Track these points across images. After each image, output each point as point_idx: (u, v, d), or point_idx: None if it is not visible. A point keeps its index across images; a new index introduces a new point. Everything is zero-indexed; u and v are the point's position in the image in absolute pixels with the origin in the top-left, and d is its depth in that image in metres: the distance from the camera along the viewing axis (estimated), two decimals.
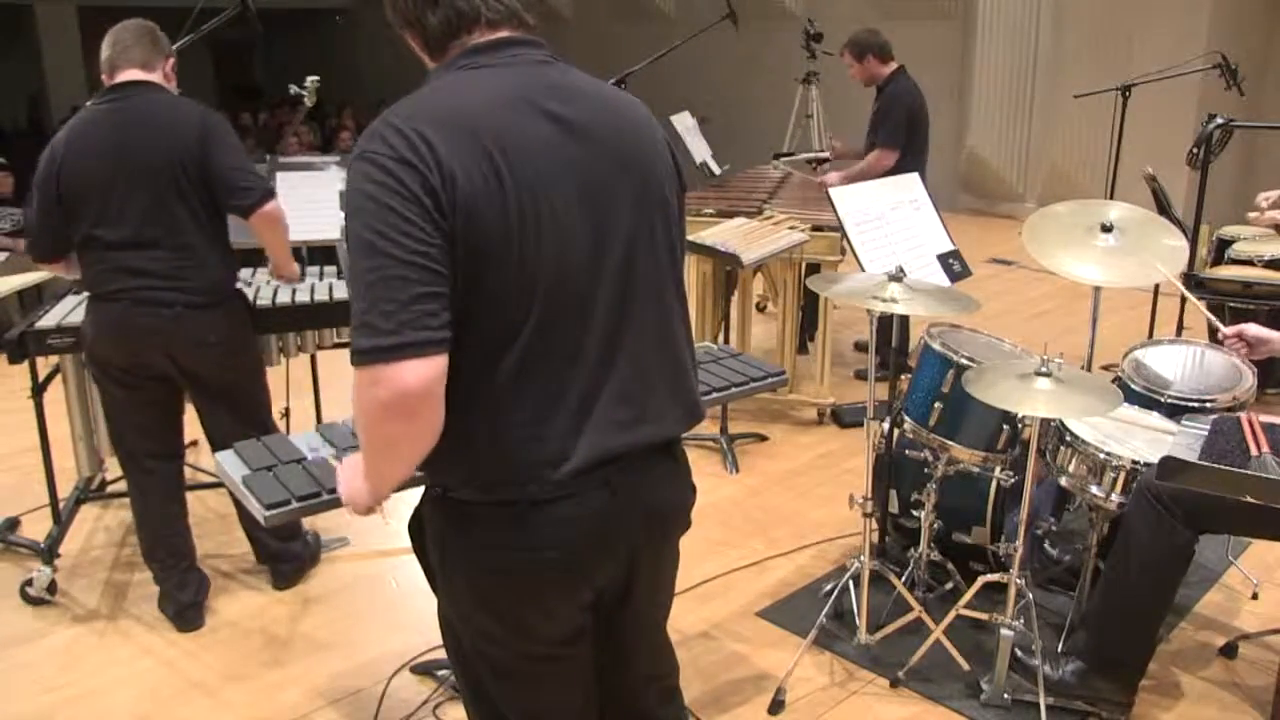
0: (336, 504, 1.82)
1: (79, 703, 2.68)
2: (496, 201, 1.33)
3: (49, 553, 3.17)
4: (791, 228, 4.15)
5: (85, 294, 3.39)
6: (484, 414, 1.39)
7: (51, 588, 3.13)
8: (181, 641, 2.93)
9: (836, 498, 3.67)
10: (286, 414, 3.71)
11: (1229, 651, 2.83)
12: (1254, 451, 2.24)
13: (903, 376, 3.19)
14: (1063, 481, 2.74)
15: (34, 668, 2.82)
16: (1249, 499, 2.11)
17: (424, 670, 2.74)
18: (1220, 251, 5.14)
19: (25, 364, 3.15)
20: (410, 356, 1.27)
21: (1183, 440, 2.35)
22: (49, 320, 3.12)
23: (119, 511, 3.73)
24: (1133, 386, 2.97)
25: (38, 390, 3.19)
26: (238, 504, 2.38)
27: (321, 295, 3.38)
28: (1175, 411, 2.78)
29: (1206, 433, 2.36)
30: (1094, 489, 2.62)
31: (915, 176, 3.49)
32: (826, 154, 5.88)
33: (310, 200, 3.53)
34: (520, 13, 1.47)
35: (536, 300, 1.37)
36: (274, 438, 2.05)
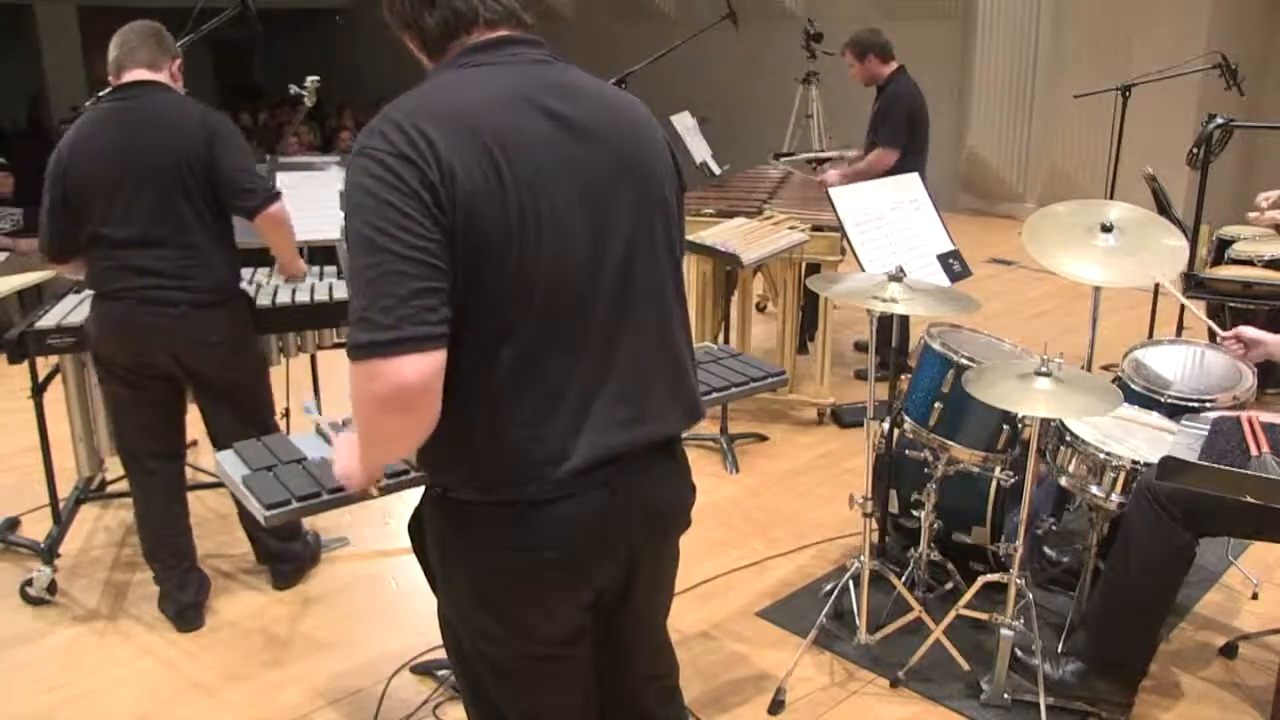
0: (337, 504, 1.83)
1: (79, 703, 2.68)
2: (496, 198, 1.33)
3: (49, 553, 3.17)
4: (791, 228, 4.15)
5: (86, 293, 3.42)
6: (483, 413, 1.39)
7: (51, 588, 3.13)
8: (181, 641, 2.93)
9: (836, 498, 3.67)
10: (286, 414, 3.70)
11: (1229, 651, 2.83)
12: (1254, 451, 2.24)
13: (903, 376, 3.19)
14: (1063, 481, 2.74)
15: (34, 668, 2.82)
16: (1249, 499, 2.11)
17: (424, 670, 2.74)
18: (1220, 251, 5.13)
19: (25, 364, 3.15)
20: (409, 351, 1.27)
21: (1183, 440, 2.35)
22: (49, 320, 3.12)
23: (119, 511, 3.73)
24: (1133, 386, 2.97)
25: (38, 390, 3.19)
26: (239, 504, 2.39)
27: (321, 295, 3.39)
28: (1175, 411, 2.78)
29: (1206, 433, 2.36)
30: (1094, 489, 2.62)
31: (915, 176, 3.49)
32: (828, 154, 5.88)
33: (310, 200, 3.53)
34: (518, 12, 1.47)
35: (535, 298, 1.37)
36: (274, 438, 2.05)
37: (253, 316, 3.03)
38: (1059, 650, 2.69)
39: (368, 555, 3.41)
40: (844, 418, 4.51)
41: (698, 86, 9.64)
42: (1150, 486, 2.41)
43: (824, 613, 2.79)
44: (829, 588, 2.96)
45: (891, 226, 3.16)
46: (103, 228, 2.72)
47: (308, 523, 3.31)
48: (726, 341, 4.20)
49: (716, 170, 5.51)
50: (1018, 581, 2.55)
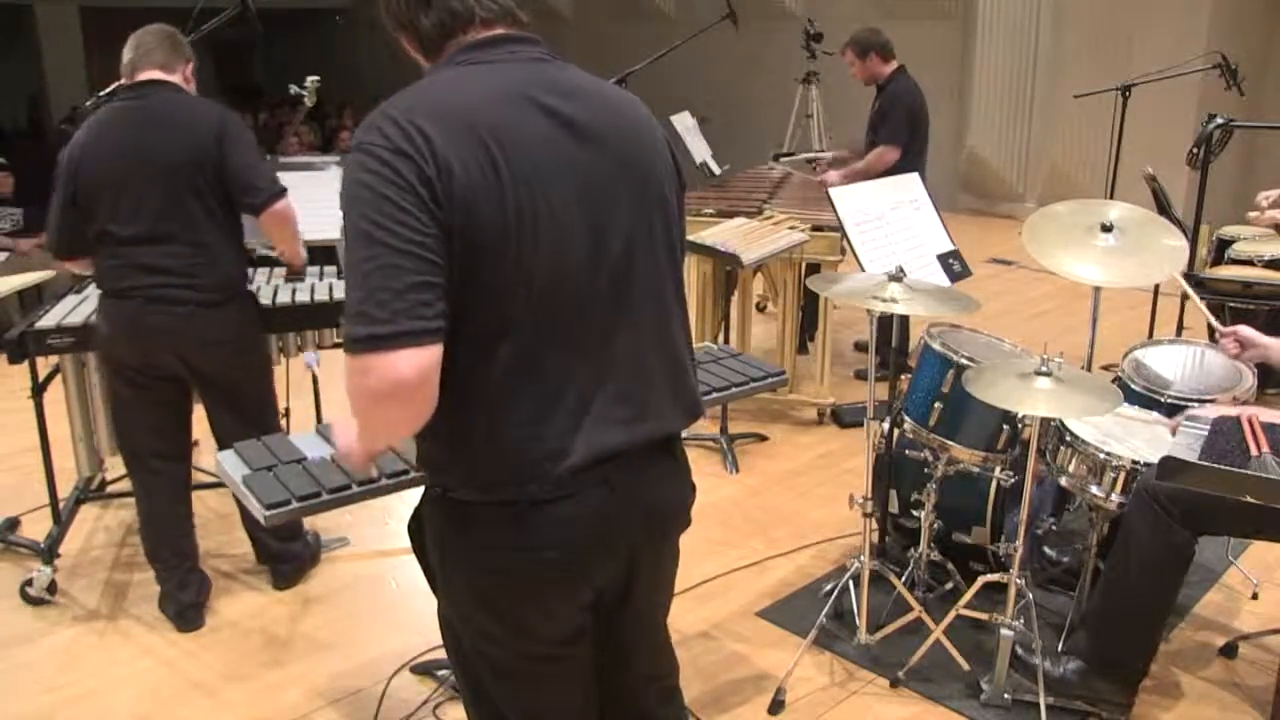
0: (336, 504, 1.83)
1: (79, 703, 2.68)
2: (493, 195, 1.33)
3: (49, 553, 3.17)
4: (791, 228, 4.15)
5: (85, 293, 3.42)
6: (481, 412, 1.39)
7: (51, 588, 3.13)
8: (181, 641, 2.93)
9: (836, 498, 3.67)
10: (286, 414, 3.70)
11: (1229, 651, 2.83)
12: (1254, 451, 2.24)
13: (903, 376, 3.19)
14: (1063, 481, 2.74)
15: (34, 668, 2.82)
16: (1249, 499, 2.11)
17: (424, 670, 2.74)
18: (1220, 251, 5.14)
19: (25, 364, 3.15)
20: (405, 345, 1.27)
21: (1183, 440, 2.35)
22: (49, 320, 3.12)
23: (119, 511, 3.73)
24: (1133, 386, 2.97)
25: (38, 390, 3.19)
26: (240, 504, 2.39)
27: (321, 295, 3.39)
28: (1175, 411, 2.78)
29: (1206, 433, 2.35)
30: (1094, 489, 2.62)
31: (915, 176, 3.50)
32: (827, 154, 5.88)
33: (310, 200, 3.53)
34: (514, 10, 1.48)
35: (533, 296, 1.37)
36: (274, 438, 2.05)
37: (260, 316, 3.04)
38: (1059, 650, 2.69)
39: (368, 555, 3.41)
40: (844, 418, 4.51)
41: (698, 86, 9.64)
42: (1150, 486, 2.41)
43: (824, 613, 2.79)
44: (829, 588, 2.96)
45: (891, 226, 3.16)
46: (110, 225, 2.73)
47: (308, 523, 3.31)
48: (726, 341, 4.20)
49: (716, 170, 5.51)
50: (1018, 581, 2.55)
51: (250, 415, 2.92)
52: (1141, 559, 2.43)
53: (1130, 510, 2.48)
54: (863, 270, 2.95)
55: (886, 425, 2.91)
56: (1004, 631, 2.55)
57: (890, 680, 2.69)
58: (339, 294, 3.37)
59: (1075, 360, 3.19)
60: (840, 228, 3.13)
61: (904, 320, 3.26)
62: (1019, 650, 2.62)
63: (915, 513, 2.95)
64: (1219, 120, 4.11)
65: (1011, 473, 2.85)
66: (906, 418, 2.92)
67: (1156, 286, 4.74)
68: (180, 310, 2.74)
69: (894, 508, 3.10)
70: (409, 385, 1.28)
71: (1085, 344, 3.51)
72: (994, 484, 2.92)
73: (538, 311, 1.38)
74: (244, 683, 2.74)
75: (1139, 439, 2.69)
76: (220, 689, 2.72)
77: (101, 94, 3.21)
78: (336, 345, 3.48)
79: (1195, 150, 4.28)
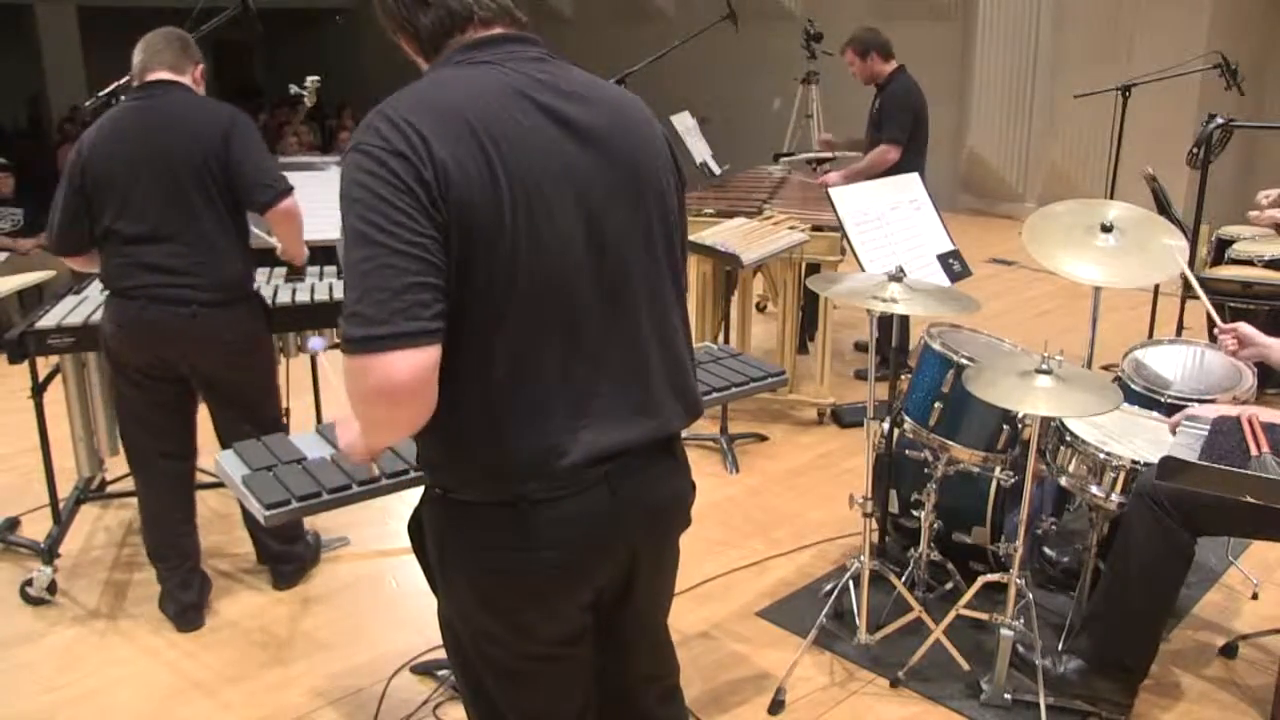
0: (336, 504, 1.83)
1: (79, 703, 2.68)
2: (490, 195, 1.33)
3: (49, 553, 3.17)
4: (791, 228, 4.15)
5: (85, 294, 3.42)
6: (480, 411, 1.39)
7: (51, 588, 3.13)
8: (181, 641, 2.93)
9: (836, 498, 3.67)
10: (286, 414, 3.70)
11: (1229, 651, 2.83)
12: (1254, 451, 2.24)
13: (903, 376, 3.19)
14: (1063, 481, 2.74)
15: (34, 668, 2.82)
16: (1249, 499, 2.11)
17: (424, 670, 2.74)
18: (1220, 251, 5.14)
19: (25, 364, 3.15)
20: (402, 346, 1.26)
21: (1183, 440, 2.35)
22: (49, 320, 3.12)
23: (119, 511, 3.73)
24: (1133, 386, 2.97)
25: (38, 390, 3.19)
26: (242, 504, 2.41)
27: (322, 295, 3.39)
28: (1175, 412, 2.78)
29: (1206, 433, 2.35)
30: (1094, 489, 2.62)
31: (915, 176, 3.50)
32: (829, 155, 5.88)
33: (310, 200, 3.53)
34: (512, 10, 1.48)
35: (531, 296, 1.37)
36: (274, 438, 2.05)
37: (267, 318, 3.05)
38: (1059, 650, 2.69)
39: (368, 555, 3.41)
40: (844, 418, 4.51)
41: (698, 86, 9.64)
42: (1150, 487, 2.41)
43: (824, 613, 2.79)
44: (829, 588, 2.96)
45: (891, 226, 3.16)
46: (117, 223, 2.73)
47: (308, 522, 3.31)
48: (726, 341, 4.20)
49: (716, 170, 5.51)
50: (1018, 581, 2.55)
51: (254, 416, 2.92)
52: (1141, 559, 2.43)
53: (1130, 510, 2.48)
54: (863, 270, 2.95)
55: (886, 425, 2.91)
56: (1004, 631, 2.55)
57: (890, 680, 2.69)
58: (339, 294, 3.37)
59: (1075, 360, 3.19)
60: (840, 228, 3.13)
61: (904, 320, 3.26)
62: (1020, 649, 2.62)
63: (915, 513, 2.95)
64: (1219, 120, 4.11)
65: (1011, 473, 2.85)
66: (906, 418, 2.92)
67: (1156, 286, 4.75)
68: (184, 310, 2.74)
69: (894, 508, 3.10)
70: (406, 386, 1.28)
71: (1085, 344, 3.51)
72: (994, 484, 2.92)
73: (536, 311, 1.38)
74: (244, 683, 2.74)
75: (1139, 439, 2.69)
76: (220, 689, 2.72)
77: (101, 94, 3.22)
78: (334, 345, 3.48)
79: (1195, 150, 4.28)
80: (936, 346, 2.88)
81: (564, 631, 1.54)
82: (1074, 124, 8.34)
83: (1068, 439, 2.68)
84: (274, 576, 3.21)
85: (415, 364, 1.27)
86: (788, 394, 4.51)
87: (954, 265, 3.21)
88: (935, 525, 2.91)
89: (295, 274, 3.55)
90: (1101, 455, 2.60)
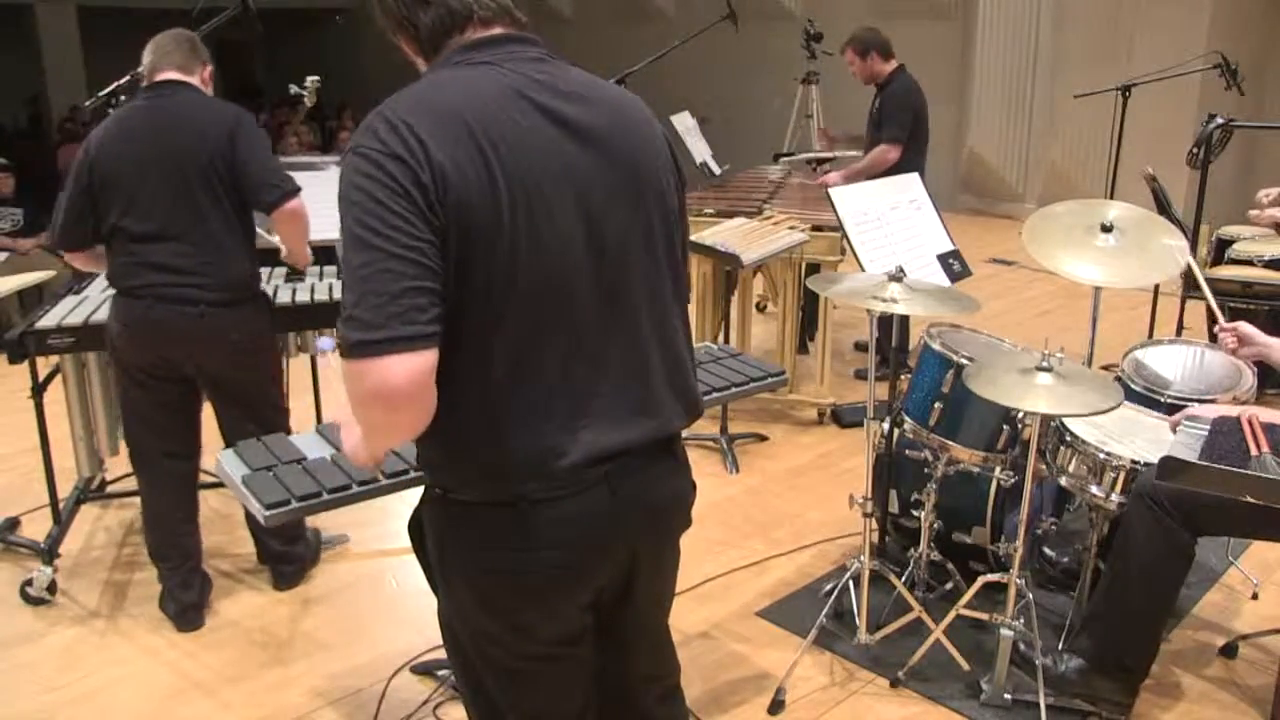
0: (336, 504, 1.83)
1: (79, 703, 2.68)
2: (488, 196, 1.33)
3: (49, 553, 3.17)
4: (791, 228, 4.15)
5: (84, 294, 3.42)
6: (480, 412, 1.39)
7: (51, 588, 3.13)
8: (181, 642, 2.93)
9: (836, 498, 3.67)
10: (286, 414, 3.70)
11: (1229, 651, 2.83)
12: (1254, 451, 2.24)
13: (902, 376, 3.19)
14: (1063, 481, 2.74)
15: (34, 668, 2.82)
16: (1249, 499, 2.11)
17: (424, 670, 2.74)
18: (1220, 251, 5.14)
19: (25, 364, 3.15)
20: (398, 351, 1.26)
21: (1183, 440, 2.35)
22: (49, 320, 3.12)
23: (119, 511, 3.73)
24: (1133, 386, 2.97)
25: (38, 390, 3.19)
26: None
27: (322, 295, 3.39)
28: (1175, 411, 2.78)
29: (1206, 433, 2.35)
30: (1094, 489, 2.62)
31: (915, 176, 3.50)
32: (829, 154, 5.88)
33: (310, 200, 3.54)
34: (512, 10, 1.48)
35: (529, 296, 1.37)
36: (274, 438, 2.05)
37: (273, 318, 3.06)
38: (1060, 650, 2.69)
39: (368, 555, 3.41)
40: (844, 418, 4.51)
41: (698, 86, 9.64)
42: (1150, 487, 2.41)
43: (824, 613, 2.79)
44: (829, 588, 2.96)
45: (891, 226, 3.16)
46: (123, 222, 2.74)
47: (308, 521, 3.31)
48: (726, 341, 4.20)
49: (716, 170, 5.51)
50: (1018, 581, 2.55)
51: (259, 415, 2.93)
52: (1141, 559, 2.43)
53: (1130, 510, 2.48)
54: (863, 270, 2.95)
55: (886, 425, 2.91)
56: (1004, 631, 2.55)
57: (890, 680, 2.69)
58: (339, 294, 3.37)
59: (1075, 360, 3.19)
60: (840, 228, 3.13)
61: (904, 320, 3.26)
62: (1020, 647, 2.62)
63: (915, 513, 2.95)
64: (1219, 120, 4.11)
65: (1011, 473, 2.85)
66: (906, 418, 2.92)
67: (1156, 286, 4.74)
68: (191, 310, 2.75)
69: (894, 508, 3.10)
70: (402, 390, 1.28)
71: (1085, 344, 3.51)
72: (994, 484, 2.92)
73: (535, 312, 1.38)
74: (244, 683, 2.74)
75: (1139, 439, 2.69)
76: (220, 689, 2.72)
77: (101, 94, 3.22)
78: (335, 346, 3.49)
79: (1195, 150, 4.28)
80: (936, 346, 2.88)
81: (564, 631, 1.54)
82: (1074, 124, 8.34)
83: (1068, 439, 2.68)
84: (274, 577, 3.21)
85: (412, 368, 1.27)
86: (788, 394, 4.51)
87: (954, 265, 3.21)
88: (935, 525, 2.91)
89: (295, 274, 3.55)
90: (1101, 455, 2.60)
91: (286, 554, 3.19)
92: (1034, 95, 9.01)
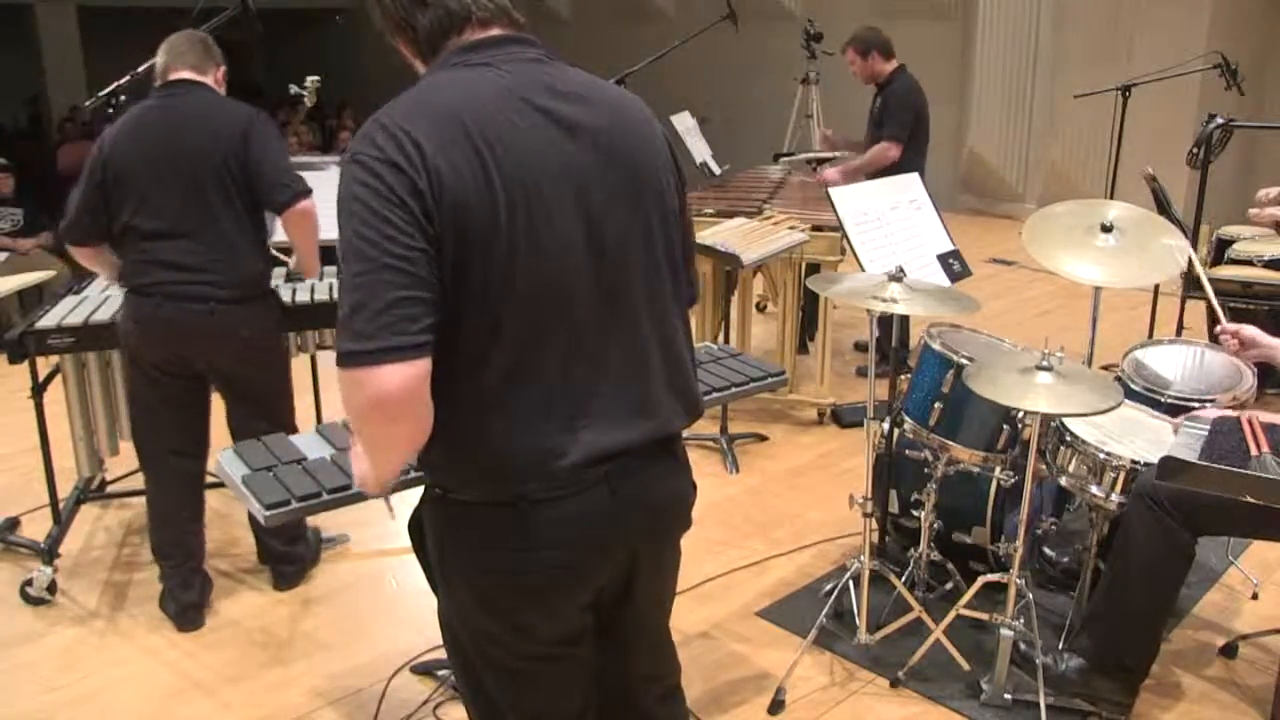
0: (336, 504, 1.83)
1: (79, 703, 2.68)
2: (485, 198, 1.33)
3: (49, 553, 3.17)
4: (791, 228, 4.15)
5: (84, 294, 3.43)
6: (480, 413, 1.39)
7: (51, 588, 3.13)
8: (181, 641, 2.93)
9: (836, 498, 3.67)
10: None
11: (1229, 651, 2.83)
12: (1254, 451, 2.24)
13: (903, 376, 3.19)
14: (1063, 481, 2.74)
15: (34, 668, 2.82)
16: (1249, 499, 2.11)
17: (424, 670, 2.74)
18: (1220, 251, 5.15)
19: (25, 364, 3.15)
20: (390, 361, 1.27)
21: (1183, 440, 2.35)
22: (49, 320, 3.13)
23: (119, 511, 3.73)
24: (1133, 386, 2.97)
25: (38, 390, 3.19)
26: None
27: (322, 295, 3.40)
28: (1175, 411, 2.78)
29: (1206, 433, 2.35)
30: (1094, 489, 2.62)
31: (915, 176, 3.49)
32: (829, 154, 5.88)
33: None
34: (510, 10, 1.47)
35: (529, 297, 1.37)
36: (274, 438, 2.05)
37: (283, 315, 3.07)
38: (1059, 650, 2.69)
39: (368, 555, 3.41)
40: (844, 418, 4.51)
41: (698, 86, 9.64)
42: (1150, 487, 2.41)
43: (824, 613, 2.79)
44: (829, 588, 2.96)
45: (891, 226, 3.16)
46: (135, 219, 2.75)
47: (308, 521, 3.31)
48: (726, 341, 4.20)
49: (716, 170, 5.51)
50: (1018, 581, 2.55)
51: (268, 413, 2.93)
52: (1141, 559, 2.43)
53: (1130, 510, 2.48)
54: (863, 270, 2.95)
55: (886, 425, 2.91)
56: (1004, 631, 2.55)
57: (890, 680, 2.69)
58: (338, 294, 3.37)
59: (1075, 360, 3.19)
60: (840, 228, 3.13)
61: (904, 320, 3.26)
62: (1021, 647, 2.62)
63: (915, 513, 2.95)
64: (1219, 120, 4.11)
65: (1011, 473, 2.85)
66: (906, 418, 2.92)
67: (1156, 286, 4.74)
68: (201, 307, 2.76)
69: (894, 508, 3.10)
70: (395, 399, 1.29)
71: (1085, 344, 3.51)
72: (994, 484, 2.92)
73: (534, 312, 1.38)
74: (244, 683, 2.74)
75: (1139, 439, 2.69)
76: (220, 689, 2.72)
77: (101, 94, 3.22)
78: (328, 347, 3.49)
79: (1195, 150, 4.28)
80: (936, 346, 2.88)
81: (564, 631, 1.54)
82: (1074, 124, 8.34)
83: (1068, 439, 2.68)
84: (275, 577, 3.21)
85: (403, 377, 1.28)
86: (788, 394, 4.51)
87: (954, 265, 3.21)
88: (935, 525, 2.91)
89: (296, 274, 3.55)
90: (1101, 455, 2.60)
91: (288, 554, 3.19)
92: (1034, 95, 9.00)
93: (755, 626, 2.99)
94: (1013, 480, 2.83)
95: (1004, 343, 3.10)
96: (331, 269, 3.73)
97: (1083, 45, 8.43)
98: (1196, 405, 2.84)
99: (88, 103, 3.06)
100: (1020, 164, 9.32)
